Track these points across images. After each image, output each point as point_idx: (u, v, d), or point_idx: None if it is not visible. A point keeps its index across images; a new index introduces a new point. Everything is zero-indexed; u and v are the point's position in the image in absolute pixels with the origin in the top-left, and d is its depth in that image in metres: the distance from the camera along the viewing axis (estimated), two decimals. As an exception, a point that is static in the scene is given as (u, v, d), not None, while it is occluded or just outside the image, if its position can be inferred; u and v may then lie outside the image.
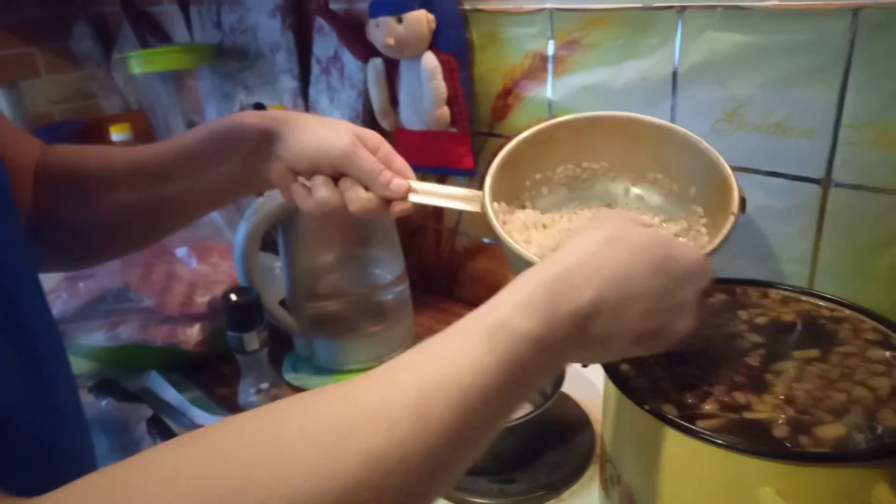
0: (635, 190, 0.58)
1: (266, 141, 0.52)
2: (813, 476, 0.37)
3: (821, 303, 0.52)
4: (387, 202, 0.52)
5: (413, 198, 0.52)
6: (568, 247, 0.39)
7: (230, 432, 0.29)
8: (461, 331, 0.34)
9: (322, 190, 0.52)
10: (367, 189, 0.52)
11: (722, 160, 0.50)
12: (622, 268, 0.37)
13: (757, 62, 0.60)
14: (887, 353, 0.45)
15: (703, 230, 0.52)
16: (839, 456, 0.37)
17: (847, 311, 0.51)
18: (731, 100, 0.63)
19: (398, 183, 0.52)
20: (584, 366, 0.77)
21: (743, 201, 0.49)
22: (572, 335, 0.35)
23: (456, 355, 0.33)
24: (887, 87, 0.54)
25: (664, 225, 0.55)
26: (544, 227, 0.55)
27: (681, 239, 0.51)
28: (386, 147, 0.54)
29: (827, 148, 0.58)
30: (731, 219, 0.47)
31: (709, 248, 0.46)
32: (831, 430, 0.39)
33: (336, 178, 0.53)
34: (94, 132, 1.37)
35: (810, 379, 0.44)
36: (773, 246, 0.65)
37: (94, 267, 0.86)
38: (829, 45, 0.56)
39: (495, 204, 0.52)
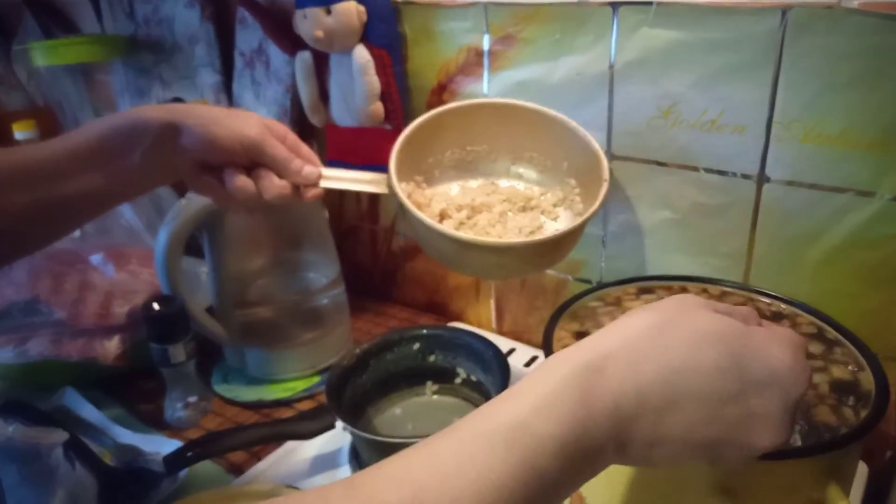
0: (514, 168, 0.65)
1: (170, 135, 0.51)
2: (762, 474, 0.37)
3: (760, 298, 0.53)
4: (298, 188, 0.55)
5: (324, 183, 0.55)
6: (609, 329, 0.32)
7: None
8: (467, 433, 0.28)
9: (235, 179, 0.52)
10: (280, 177, 0.53)
11: (590, 137, 0.59)
12: (676, 358, 0.30)
13: (691, 59, 0.61)
14: (823, 347, 0.47)
15: (578, 199, 0.60)
16: (787, 453, 0.38)
17: (783, 306, 0.52)
18: (665, 97, 0.63)
19: (310, 170, 0.54)
20: (526, 365, 0.78)
21: (610, 171, 0.57)
22: (608, 440, 0.29)
23: (462, 466, 0.27)
24: (815, 83, 0.56)
25: (543, 196, 0.62)
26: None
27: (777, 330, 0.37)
28: (292, 136, 0.56)
29: (760, 144, 0.59)
30: (605, 185, 0.56)
31: (586, 215, 0.53)
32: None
33: (247, 168, 0.53)
34: (-7, 129, 1.27)
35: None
36: (709, 241, 0.66)
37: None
38: (760, 42, 0.57)
39: (403, 184, 0.56)
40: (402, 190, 0.55)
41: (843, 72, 0.54)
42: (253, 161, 0.53)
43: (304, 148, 0.56)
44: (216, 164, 0.53)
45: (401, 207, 0.55)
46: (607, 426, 0.29)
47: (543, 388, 0.29)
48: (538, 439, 0.27)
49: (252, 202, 0.53)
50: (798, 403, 0.32)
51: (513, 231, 0.58)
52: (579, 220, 0.54)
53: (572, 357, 0.31)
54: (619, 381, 0.29)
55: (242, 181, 0.52)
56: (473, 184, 0.64)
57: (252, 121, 0.53)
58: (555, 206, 0.62)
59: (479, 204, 0.60)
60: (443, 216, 0.58)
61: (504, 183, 0.64)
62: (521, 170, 0.64)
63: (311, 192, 0.55)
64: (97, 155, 0.51)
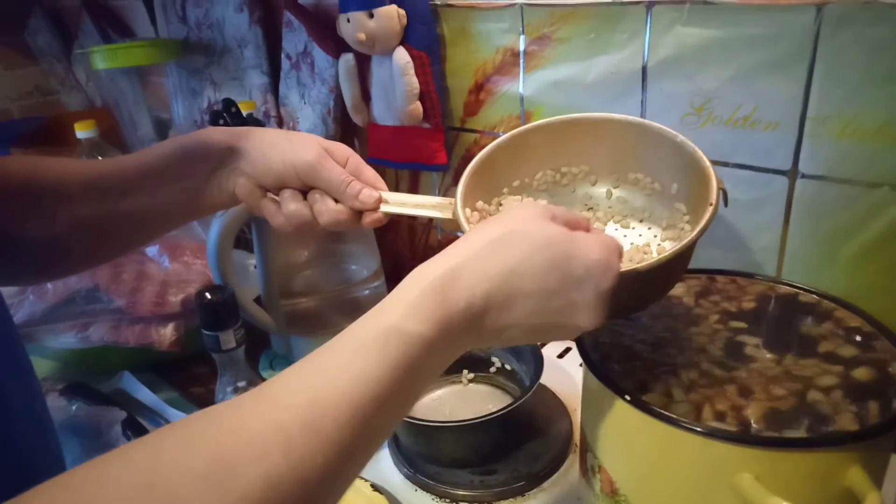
0: (617, 192, 0.56)
1: (230, 158, 0.52)
2: (790, 461, 0.38)
3: (797, 292, 0.53)
4: (358, 213, 0.52)
5: (384, 208, 0.52)
6: (459, 243, 0.39)
7: (101, 478, 0.26)
8: (351, 340, 0.34)
9: (290, 203, 0.51)
10: (336, 201, 0.51)
11: (700, 152, 0.49)
12: (512, 265, 0.38)
13: (724, 56, 0.61)
14: (859, 346, 0.46)
15: (687, 227, 0.51)
16: (815, 441, 0.39)
17: (815, 297, 0.52)
18: (699, 94, 0.64)
19: (368, 193, 0.51)
20: (560, 356, 0.79)
21: (724, 193, 0.48)
22: (464, 331, 0.37)
23: (348, 367, 0.32)
24: (849, 79, 0.56)
25: (645, 225, 0.54)
26: None
27: (601, 231, 0.43)
28: (355, 159, 0.53)
29: (793, 140, 0.60)
30: (710, 210, 0.46)
31: (686, 241, 0.45)
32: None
33: (305, 191, 0.52)
34: (55, 129, 1.34)
35: (779, 371, 0.45)
36: (743, 236, 0.66)
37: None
38: (794, 38, 0.57)
39: (467, 210, 0.52)
40: (466, 218, 0.51)
41: (882, 65, 0.54)
42: (307, 185, 0.52)
43: (368, 171, 0.54)
44: (271, 187, 0.52)
45: None
46: (463, 322, 0.36)
47: (409, 297, 0.36)
48: (408, 338, 0.34)
49: (307, 227, 0.52)
50: (609, 292, 0.39)
51: None
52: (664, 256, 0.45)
53: (431, 270, 0.37)
54: (471, 286, 0.37)
55: (297, 205, 0.51)
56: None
57: (309, 144, 0.52)
58: (663, 240, 0.53)
59: None
60: None
61: (604, 211, 0.56)
62: (625, 194, 0.56)
63: (370, 218, 0.52)
64: (164, 173, 0.52)
